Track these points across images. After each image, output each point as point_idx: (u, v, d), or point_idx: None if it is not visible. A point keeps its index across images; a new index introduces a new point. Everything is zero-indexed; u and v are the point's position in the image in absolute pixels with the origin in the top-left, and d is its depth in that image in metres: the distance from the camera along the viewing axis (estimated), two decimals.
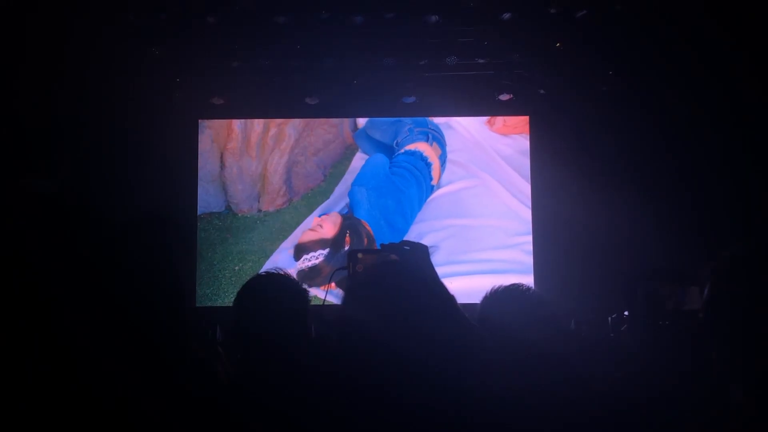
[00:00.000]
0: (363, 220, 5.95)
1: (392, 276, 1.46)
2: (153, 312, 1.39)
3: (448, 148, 6.19)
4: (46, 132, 5.22)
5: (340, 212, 6.01)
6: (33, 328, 1.19)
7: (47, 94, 5.18)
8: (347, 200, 6.05)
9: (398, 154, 6.18)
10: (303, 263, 5.85)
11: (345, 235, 5.87)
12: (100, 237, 1.34)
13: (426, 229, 6.02)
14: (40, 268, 1.22)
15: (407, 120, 6.19)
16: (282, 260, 5.86)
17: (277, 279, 2.12)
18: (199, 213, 5.97)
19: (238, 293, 2.11)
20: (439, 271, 1.82)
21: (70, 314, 1.22)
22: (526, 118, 6.13)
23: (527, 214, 6.03)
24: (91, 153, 5.42)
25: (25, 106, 5.11)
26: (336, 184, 6.15)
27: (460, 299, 1.45)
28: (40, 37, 4.95)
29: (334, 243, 5.85)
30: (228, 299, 5.72)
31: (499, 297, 2.02)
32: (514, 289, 2.03)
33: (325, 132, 6.10)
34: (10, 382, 1.16)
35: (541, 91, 5.91)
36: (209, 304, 5.92)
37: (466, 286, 5.41)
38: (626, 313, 3.81)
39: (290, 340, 1.98)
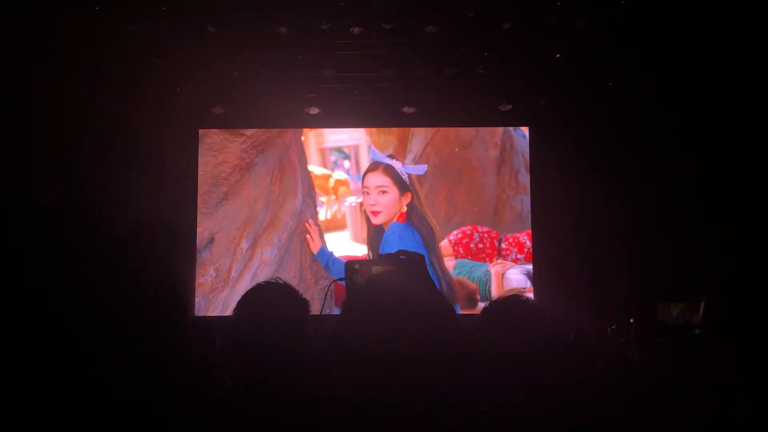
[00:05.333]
0: None
1: (390, 286, 1.46)
2: (153, 321, 1.39)
3: None
4: (47, 141, 5.23)
5: None
6: (33, 335, 1.19)
7: (48, 103, 5.20)
8: None
9: None
10: None
11: None
12: (101, 245, 1.34)
13: None
14: (40, 275, 1.22)
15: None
16: None
17: (278, 288, 2.12)
18: None
19: (239, 302, 2.10)
20: None
21: (68, 322, 1.22)
22: None
23: None
24: (91, 162, 5.43)
25: (26, 116, 5.12)
26: None
27: None
28: (41, 47, 4.96)
29: None
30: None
31: (499, 307, 2.02)
32: (514, 300, 2.04)
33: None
34: (8, 388, 1.16)
35: (541, 102, 5.92)
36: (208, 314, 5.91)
37: None
38: (631, 320, 3.82)
39: (290, 350, 1.98)
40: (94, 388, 1.24)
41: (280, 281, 2.15)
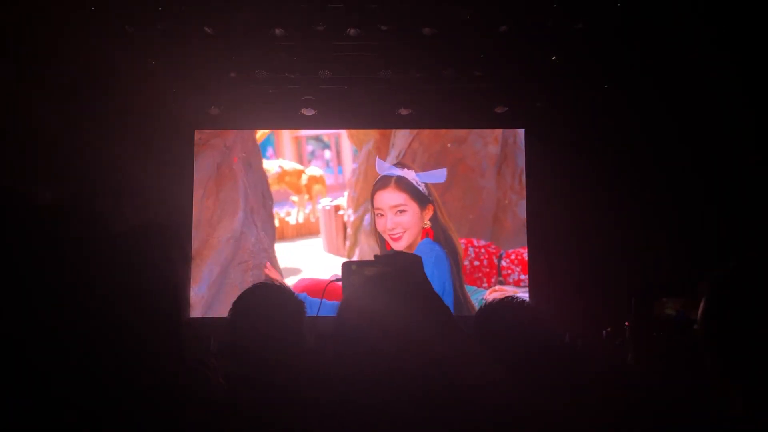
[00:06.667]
0: None
1: (387, 287, 1.46)
2: (149, 322, 1.39)
3: None
4: (42, 142, 5.22)
5: None
6: (29, 335, 1.19)
7: (45, 104, 5.18)
8: None
9: None
10: None
11: None
12: (96, 246, 1.34)
13: None
14: (35, 275, 1.22)
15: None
16: None
17: (273, 290, 2.12)
18: None
19: (234, 303, 2.10)
20: None
21: (64, 322, 1.22)
22: None
23: None
24: (87, 163, 5.42)
25: (22, 117, 5.11)
26: None
27: None
28: (37, 48, 4.95)
29: None
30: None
31: (494, 309, 2.02)
32: (509, 302, 2.04)
33: None
34: (5, 390, 1.16)
35: (538, 104, 5.93)
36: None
37: None
38: (627, 324, 3.82)
39: (286, 351, 1.98)
40: (89, 389, 1.24)
41: (276, 282, 2.16)
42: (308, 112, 5.90)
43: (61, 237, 1.29)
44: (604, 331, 4.44)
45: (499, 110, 5.94)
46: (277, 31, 5.22)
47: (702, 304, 1.33)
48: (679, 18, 4.91)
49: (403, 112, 5.91)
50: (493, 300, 2.06)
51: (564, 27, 5.18)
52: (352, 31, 5.21)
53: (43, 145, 5.23)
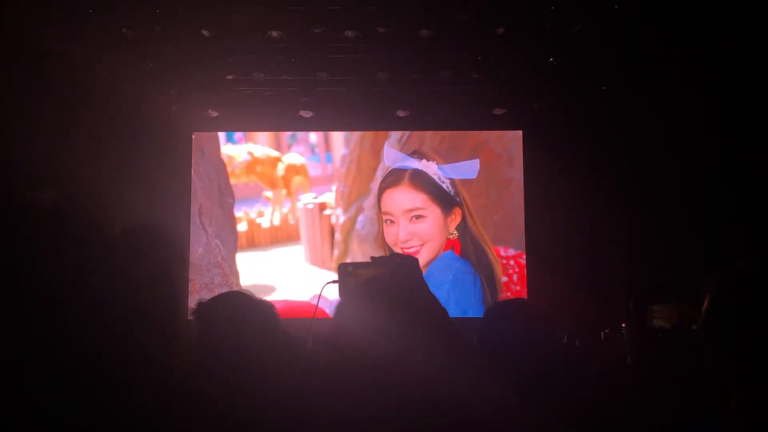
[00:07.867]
0: None
1: (384, 289, 1.45)
2: (148, 323, 1.39)
3: None
4: (40, 144, 5.21)
5: None
6: (27, 336, 1.19)
7: (42, 106, 5.18)
8: None
9: None
10: None
11: None
12: (95, 247, 1.34)
13: None
14: (34, 276, 1.22)
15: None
16: None
17: (239, 294, 2.13)
18: None
19: (197, 311, 2.05)
20: None
21: (62, 323, 1.22)
22: None
23: None
24: (85, 165, 5.41)
25: (20, 118, 5.11)
26: None
27: None
28: (35, 49, 4.95)
29: None
30: None
31: (500, 310, 2.03)
32: (513, 303, 2.05)
33: None
34: (5, 387, 1.16)
35: (535, 106, 5.93)
36: None
37: None
38: (623, 325, 3.81)
39: (262, 353, 1.97)
40: (86, 390, 1.23)
41: (246, 291, 2.17)
42: (306, 114, 5.91)
43: (59, 239, 1.29)
44: (602, 333, 4.44)
45: (497, 112, 5.94)
46: (274, 34, 5.22)
47: (703, 306, 1.33)
48: (677, 19, 4.92)
49: (401, 114, 5.92)
50: (500, 301, 2.07)
51: (561, 29, 5.19)
52: (349, 33, 5.22)
53: (40, 147, 5.23)
